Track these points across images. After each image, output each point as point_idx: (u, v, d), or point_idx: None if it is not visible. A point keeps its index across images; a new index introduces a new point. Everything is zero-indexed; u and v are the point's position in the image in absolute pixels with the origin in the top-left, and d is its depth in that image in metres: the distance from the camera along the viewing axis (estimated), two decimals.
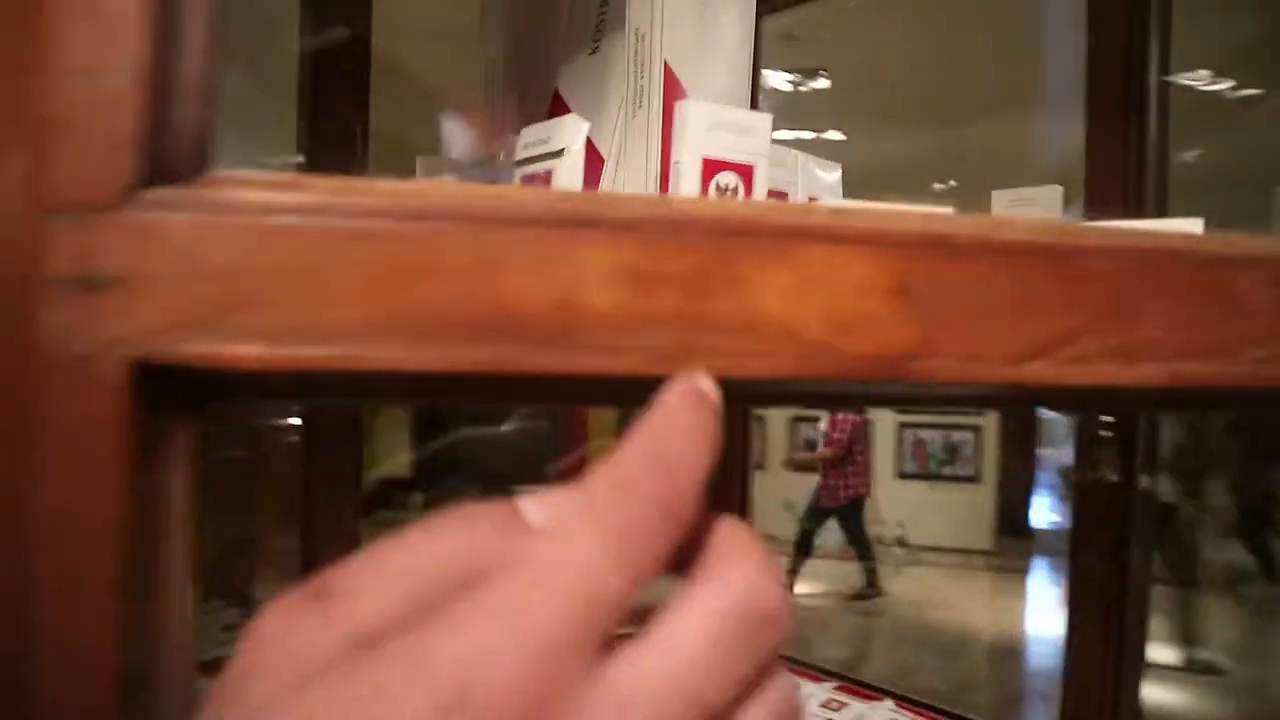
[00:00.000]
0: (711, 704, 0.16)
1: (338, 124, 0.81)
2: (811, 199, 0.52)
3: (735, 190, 0.45)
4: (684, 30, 0.49)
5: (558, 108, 0.55)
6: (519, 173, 0.46)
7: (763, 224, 0.19)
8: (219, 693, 0.15)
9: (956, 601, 4.35)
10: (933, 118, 3.37)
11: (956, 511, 5.40)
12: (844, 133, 3.73)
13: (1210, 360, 0.21)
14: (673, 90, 0.49)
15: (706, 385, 0.18)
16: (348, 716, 0.14)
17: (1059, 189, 0.68)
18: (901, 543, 5.17)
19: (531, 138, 0.45)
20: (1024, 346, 0.20)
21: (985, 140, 3.32)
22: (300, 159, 0.82)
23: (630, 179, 0.50)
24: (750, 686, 0.17)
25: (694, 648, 0.16)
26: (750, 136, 0.45)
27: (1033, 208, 0.68)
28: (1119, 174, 0.80)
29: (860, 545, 4.30)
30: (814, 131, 3.74)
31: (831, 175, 0.54)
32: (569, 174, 0.43)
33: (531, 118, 0.56)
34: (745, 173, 0.44)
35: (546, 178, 0.44)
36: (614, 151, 0.51)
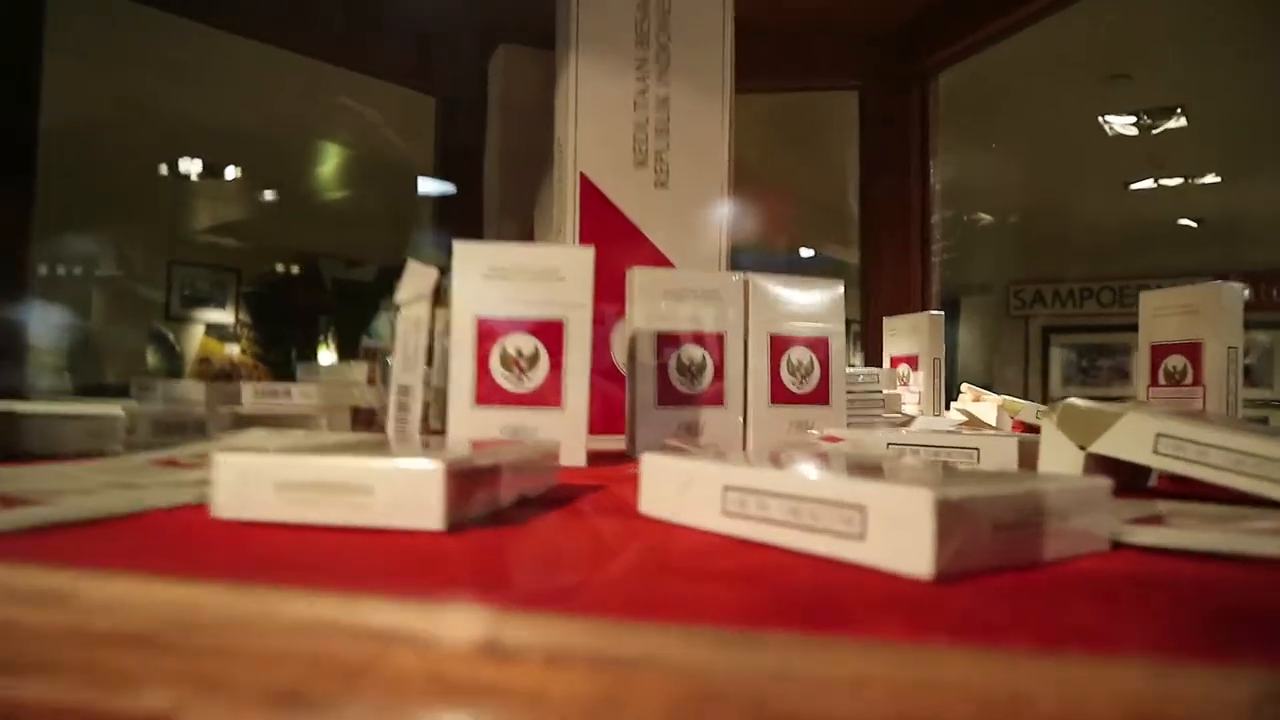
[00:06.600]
0: None
1: None
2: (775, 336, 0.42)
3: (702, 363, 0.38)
4: (602, 138, 0.43)
5: (530, 231, 0.51)
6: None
7: None
8: None
9: None
10: None
11: None
12: (1219, 174, 3.13)
13: None
14: (590, 199, 0.43)
15: None
16: None
17: (1235, 287, 0.49)
18: None
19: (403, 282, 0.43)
20: None
21: None
22: None
23: None
24: None
25: None
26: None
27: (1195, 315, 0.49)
28: None
29: None
30: (1182, 177, 3.19)
31: (820, 294, 0.44)
32: (415, 318, 0.40)
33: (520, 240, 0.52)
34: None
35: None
36: None
